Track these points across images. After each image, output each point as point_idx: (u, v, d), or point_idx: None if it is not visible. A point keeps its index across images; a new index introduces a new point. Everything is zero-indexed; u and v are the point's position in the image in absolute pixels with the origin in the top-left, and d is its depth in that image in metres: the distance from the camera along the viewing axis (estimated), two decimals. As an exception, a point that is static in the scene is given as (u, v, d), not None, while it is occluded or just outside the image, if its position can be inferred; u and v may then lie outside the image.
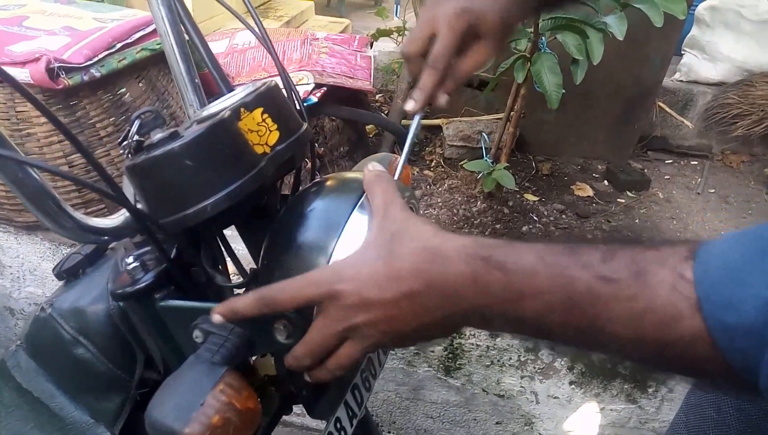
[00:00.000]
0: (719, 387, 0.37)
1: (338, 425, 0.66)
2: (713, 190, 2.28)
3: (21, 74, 1.24)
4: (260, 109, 0.51)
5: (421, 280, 0.41)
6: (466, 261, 0.40)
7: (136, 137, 0.51)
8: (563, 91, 1.59)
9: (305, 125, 0.57)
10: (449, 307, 0.41)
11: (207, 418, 0.43)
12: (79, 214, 0.53)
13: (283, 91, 0.59)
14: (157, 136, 0.50)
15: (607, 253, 0.36)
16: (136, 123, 0.51)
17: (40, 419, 0.67)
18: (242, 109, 0.50)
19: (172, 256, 0.54)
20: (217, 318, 0.48)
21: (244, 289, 0.58)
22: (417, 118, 0.66)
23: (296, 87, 1.71)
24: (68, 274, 0.67)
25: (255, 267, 0.57)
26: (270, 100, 0.53)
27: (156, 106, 1.48)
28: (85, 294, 0.64)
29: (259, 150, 0.51)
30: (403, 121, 2.31)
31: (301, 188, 0.60)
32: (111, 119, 1.41)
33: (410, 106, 0.65)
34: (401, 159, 0.64)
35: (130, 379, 0.64)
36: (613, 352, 0.38)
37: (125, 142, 0.51)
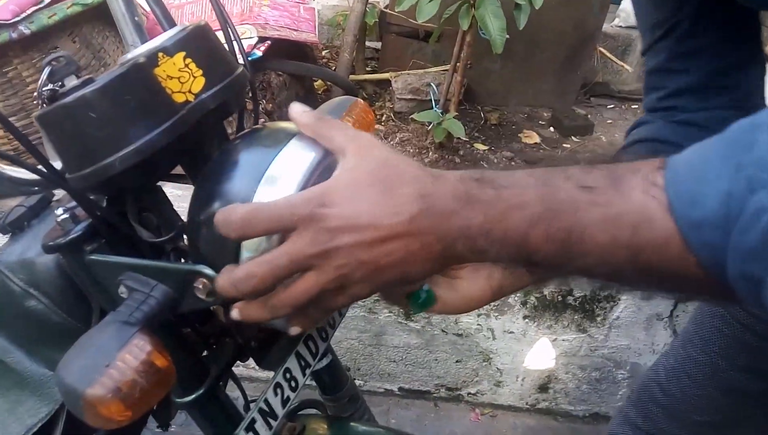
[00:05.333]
0: (694, 295, 0.39)
1: (288, 375, 0.64)
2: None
3: (-58, 33, 1.17)
4: (182, 54, 0.47)
5: (420, 203, 0.40)
6: (461, 181, 0.40)
7: (49, 85, 0.47)
8: (507, 36, 1.60)
9: (240, 68, 0.54)
10: (441, 230, 0.40)
11: (111, 380, 0.42)
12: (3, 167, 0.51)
13: (218, 34, 0.56)
14: (72, 83, 0.47)
15: (588, 167, 0.38)
16: (47, 70, 0.48)
17: (-5, 375, 0.66)
18: (161, 54, 0.46)
19: (103, 206, 0.52)
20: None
21: (171, 245, 0.55)
22: None
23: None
24: (13, 227, 0.65)
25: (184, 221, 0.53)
26: (195, 43, 0.49)
27: (92, 64, 1.42)
28: (32, 246, 0.62)
29: (179, 98, 0.47)
30: (352, 76, 2.29)
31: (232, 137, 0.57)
32: (45, 80, 1.35)
33: None
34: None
35: (86, 328, 0.63)
36: (593, 267, 0.39)
37: (37, 92, 0.48)
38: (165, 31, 0.63)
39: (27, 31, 1.27)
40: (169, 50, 0.47)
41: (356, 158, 0.42)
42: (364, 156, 0.42)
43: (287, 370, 0.64)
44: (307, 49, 2.02)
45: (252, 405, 0.61)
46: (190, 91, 0.48)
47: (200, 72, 0.48)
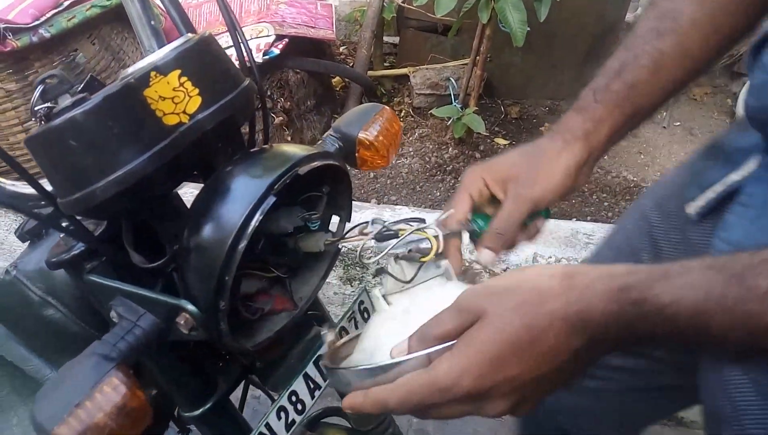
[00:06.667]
0: None
1: (293, 398, 0.61)
2: (678, 123, 2.31)
3: (-36, 38, 1.19)
4: (177, 72, 0.44)
5: (579, 340, 0.38)
6: (615, 300, 0.37)
7: (44, 105, 0.45)
8: (528, 29, 1.57)
9: (247, 81, 0.51)
10: (605, 350, 0.39)
11: (78, 422, 0.40)
12: (10, 183, 0.50)
13: (222, 42, 0.53)
14: (64, 103, 0.44)
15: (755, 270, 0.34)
16: (39, 88, 0.46)
17: (15, 383, 0.66)
18: (153, 73, 0.43)
19: (103, 228, 0.51)
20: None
21: (172, 266, 0.53)
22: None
23: (256, 39, 1.67)
24: (31, 235, 0.65)
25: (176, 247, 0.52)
26: (192, 60, 0.46)
27: (112, 66, 1.42)
28: (49, 254, 0.62)
29: (171, 120, 0.44)
30: (370, 72, 2.28)
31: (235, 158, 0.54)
32: (65, 82, 1.36)
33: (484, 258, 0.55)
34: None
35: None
36: None
37: (30, 111, 0.47)
38: (181, 34, 0.62)
39: (47, 35, 1.28)
40: (162, 69, 0.44)
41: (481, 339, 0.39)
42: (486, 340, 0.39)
43: (293, 392, 0.61)
44: (324, 45, 2.01)
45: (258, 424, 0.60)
46: (184, 112, 0.45)
47: (196, 91, 0.45)
